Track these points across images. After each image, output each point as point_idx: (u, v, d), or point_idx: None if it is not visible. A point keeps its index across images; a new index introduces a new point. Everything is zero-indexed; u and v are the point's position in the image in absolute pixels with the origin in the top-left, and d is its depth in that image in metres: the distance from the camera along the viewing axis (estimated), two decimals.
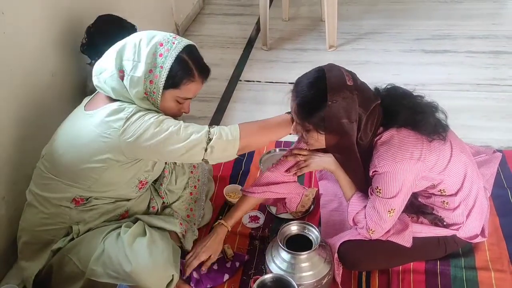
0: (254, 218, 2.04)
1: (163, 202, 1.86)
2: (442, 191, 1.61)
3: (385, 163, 1.48)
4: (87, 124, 1.53)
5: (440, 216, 1.67)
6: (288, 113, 1.62)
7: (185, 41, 1.52)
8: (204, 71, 1.56)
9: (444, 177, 1.56)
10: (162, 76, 1.46)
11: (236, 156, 1.59)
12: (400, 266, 1.76)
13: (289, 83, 3.08)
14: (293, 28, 3.76)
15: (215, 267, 1.79)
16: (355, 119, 1.44)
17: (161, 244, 1.58)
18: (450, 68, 3.09)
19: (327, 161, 1.64)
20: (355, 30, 3.61)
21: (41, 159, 1.63)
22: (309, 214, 2.03)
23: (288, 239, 1.62)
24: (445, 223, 1.67)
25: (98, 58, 1.78)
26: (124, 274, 1.48)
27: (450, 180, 1.58)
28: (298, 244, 1.60)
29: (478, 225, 1.71)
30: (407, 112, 1.50)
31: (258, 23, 3.66)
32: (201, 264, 1.75)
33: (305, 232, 1.63)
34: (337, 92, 1.41)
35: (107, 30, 2.05)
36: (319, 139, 1.52)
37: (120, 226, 1.62)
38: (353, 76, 1.47)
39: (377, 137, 1.52)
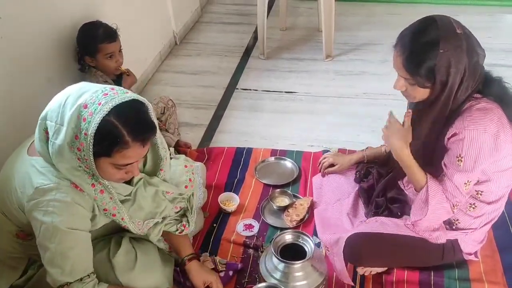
0: (248, 227, 2.03)
1: None
2: (479, 193, 1.59)
3: (476, 127, 1.42)
4: (16, 171, 1.40)
5: (453, 219, 1.66)
6: None
7: (117, 99, 1.26)
8: (141, 134, 1.30)
9: (494, 178, 1.53)
10: (88, 144, 1.24)
11: None
12: (394, 277, 1.76)
13: (286, 92, 3.08)
14: (291, 38, 3.78)
15: None
16: (462, 70, 1.41)
17: (151, 260, 1.59)
18: None
19: (402, 147, 1.60)
20: (352, 40, 3.62)
21: None
22: (304, 223, 2.03)
23: (282, 248, 1.62)
24: (454, 227, 1.67)
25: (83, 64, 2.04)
26: None
27: (496, 185, 1.55)
28: (292, 253, 1.59)
29: (478, 241, 1.72)
30: (501, 87, 1.48)
31: (255, 32, 3.67)
32: None
33: (299, 241, 1.62)
34: (448, 40, 1.39)
35: (80, 39, 2.18)
36: (422, 92, 1.50)
37: (104, 240, 1.62)
38: (461, 25, 1.44)
39: (474, 101, 1.47)
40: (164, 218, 1.65)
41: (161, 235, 1.70)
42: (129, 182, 1.50)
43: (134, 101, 1.30)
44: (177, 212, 1.71)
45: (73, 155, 1.29)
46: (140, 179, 1.54)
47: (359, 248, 1.66)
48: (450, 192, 1.53)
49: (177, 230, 1.69)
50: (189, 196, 1.73)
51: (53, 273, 1.37)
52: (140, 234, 1.60)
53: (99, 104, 1.24)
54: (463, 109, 1.48)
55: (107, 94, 1.26)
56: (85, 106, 1.24)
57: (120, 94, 1.28)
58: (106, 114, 1.23)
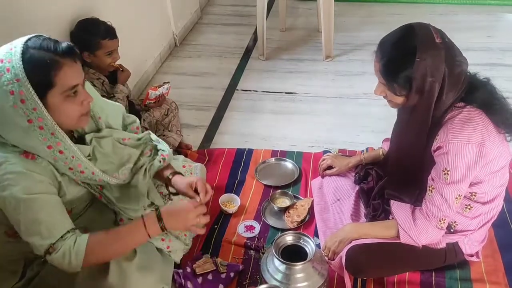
0: (249, 228, 2.03)
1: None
2: (473, 194, 1.58)
3: (459, 140, 1.42)
4: None
5: (451, 222, 1.65)
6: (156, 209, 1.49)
7: (21, 39, 1.29)
8: (63, 49, 1.30)
9: (486, 180, 1.53)
10: (27, 88, 1.23)
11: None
12: (395, 277, 1.76)
13: (286, 92, 3.08)
14: (290, 39, 3.78)
15: (210, 277, 1.78)
16: (440, 78, 1.41)
17: (151, 260, 1.59)
18: None
19: (348, 232, 1.72)
20: (352, 41, 3.63)
21: None
22: (305, 224, 2.03)
23: (283, 249, 1.62)
24: (452, 230, 1.67)
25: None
26: None
27: (489, 186, 1.55)
28: (293, 254, 1.59)
29: (479, 241, 1.72)
30: (486, 93, 1.48)
31: (255, 33, 3.68)
32: (196, 275, 1.77)
33: (301, 243, 1.62)
34: (426, 49, 1.38)
35: (79, 35, 2.17)
36: (399, 99, 1.51)
37: None
38: (441, 33, 1.44)
39: (456, 111, 1.48)
40: (140, 166, 1.64)
41: (155, 178, 1.70)
42: (83, 142, 1.49)
43: (36, 36, 1.31)
44: (150, 155, 1.69)
45: (20, 113, 1.26)
46: (91, 139, 1.52)
47: (359, 260, 1.64)
48: (437, 206, 1.52)
49: (160, 162, 1.67)
50: (149, 136, 1.71)
51: (34, 241, 1.35)
52: (122, 183, 1.57)
53: (11, 49, 1.25)
54: (446, 120, 1.48)
55: (12, 43, 1.28)
56: (1, 61, 1.25)
57: (21, 38, 1.29)
58: (24, 52, 1.25)
